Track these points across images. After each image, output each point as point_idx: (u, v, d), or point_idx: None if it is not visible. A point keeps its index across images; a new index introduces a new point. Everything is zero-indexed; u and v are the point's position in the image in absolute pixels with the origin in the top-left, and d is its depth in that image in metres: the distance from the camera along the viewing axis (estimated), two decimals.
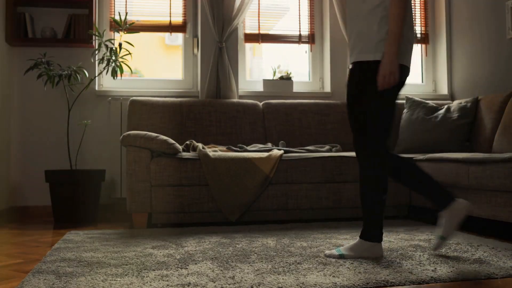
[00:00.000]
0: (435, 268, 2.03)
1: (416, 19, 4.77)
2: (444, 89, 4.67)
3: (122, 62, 3.87)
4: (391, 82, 2.17)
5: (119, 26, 3.88)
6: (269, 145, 3.73)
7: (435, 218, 3.59)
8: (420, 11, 4.78)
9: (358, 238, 2.28)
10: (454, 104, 4.00)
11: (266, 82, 4.38)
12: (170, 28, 4.36)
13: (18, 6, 4.02)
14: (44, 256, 2.32)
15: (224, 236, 2.82)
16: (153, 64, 4.73)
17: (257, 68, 4.87)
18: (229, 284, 1.79)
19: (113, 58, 3.86)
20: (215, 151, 3.42)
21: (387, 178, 2.27)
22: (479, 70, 4.27)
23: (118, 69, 3.86)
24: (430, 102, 4.15)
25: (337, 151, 3.79)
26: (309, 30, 4.61)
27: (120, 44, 3.88)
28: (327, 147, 3.82)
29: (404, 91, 4.64)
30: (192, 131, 3.90)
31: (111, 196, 4.07)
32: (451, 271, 1.97)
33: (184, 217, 3.28)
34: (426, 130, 3.90)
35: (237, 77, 4.25)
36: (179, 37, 4.46)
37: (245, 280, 1.85)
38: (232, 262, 2.16)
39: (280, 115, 4.07)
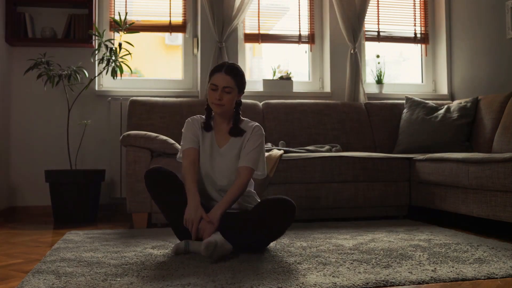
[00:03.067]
0: (435, 268, 2.03)
1: (416, 19, 4.77)
2: (444, 89, 4.67)
3: (122, 62, 3.87)
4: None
5: (119, 26, 3.88)
6: (269, 145, 3.73)
7: (435, 218, 3.59)
8: (420, 11, 4.78)
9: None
10: (454, 104, 4.00)
11: (266, 82, 4.38)
12: (170, 28, 4.36)
13: (18, 6, 4.02)
14: (44, 256, 2.32)
15: None
16: (153, 64, 4.73)
17: (257, 68, 4.87)
18: (229, 284, 1.79)
19: (113, 58, 3.85)
20: None
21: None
22: (479, 70, 4.27)
23: (118, 69, 3.86)
24: (430, 102, 4.15)
25: (337, 151, 3.79)
26: (309, 30, 4.61)
27: (120, 44, 3.88)
28: (327, 147, 3.81)
29: (404, 91, 4.64)
30: None
31: (111, 196, 4.07)
32: (451, 271, 1.97)
33: None
34: (426, 130, 3.90)
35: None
36: (179, 37, 4.46)
37: (245, 280, 1.84)
38: (233, 262, 2.15)
39: (280, 115, 4.07)
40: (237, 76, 2.44)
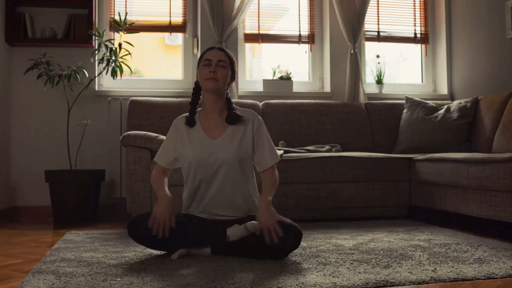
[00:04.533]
0: (435, 268, 2.03)
1: (416, 19, 4.77)
2: (444, 89, 4.67)
3: (122, 62, 3.87)
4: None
5: (119, 26, 3.88)
6: None
7: (435, 218, 3.59)
8: (420, 11, 4.78)
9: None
10: (454, 104, 4.00)
11: (266, 82, 4.38)
12: (170, 28, 4.36)
13: (18, 6, 4.02)
14: (44, 256, 2.32)
15: None
16: (153, 64, 4.73)
17: (257, 68, 4.87)
18: (229, 284, 1.79)
19: (113, 58, 3.85)
20: None
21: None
22: (479, 70, 4.27)
23: (118, 69, 3.86)
24: (430, 102, 4.15)
25: (337, 151, 3.79)
26: (309, 30, 4.61)
27: (120, 44, 3.88)
28: (327, 147, 3.82)
29: (404, 91, 4.64)
30: None
31: (111, 196, 4.07)
32: (451, 271, 1.97)
33: None
34: (426, 130, 3.90)
35: (237, 77, 4.25)
36: (179, 37, 4.46)
37: (245, 280, 1.84)
38: (233, 262, 2.15)
39: (280, 115, 4.07)
40: (230, 56, 2.38)
